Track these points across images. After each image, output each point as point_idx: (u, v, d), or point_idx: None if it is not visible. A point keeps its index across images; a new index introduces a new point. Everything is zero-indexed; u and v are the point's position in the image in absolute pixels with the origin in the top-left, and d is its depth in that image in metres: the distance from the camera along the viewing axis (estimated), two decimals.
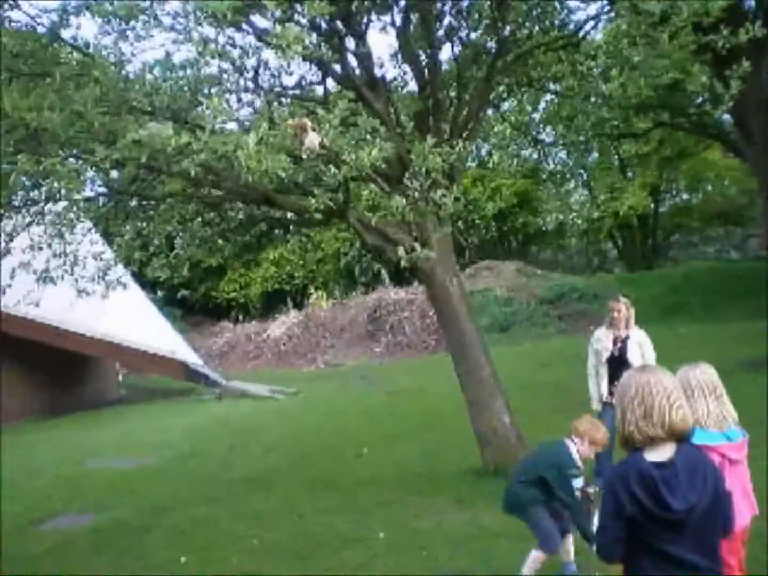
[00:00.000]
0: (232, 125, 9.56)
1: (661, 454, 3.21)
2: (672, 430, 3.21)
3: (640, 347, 8.52)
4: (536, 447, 6.83)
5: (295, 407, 17.97)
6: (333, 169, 5.95)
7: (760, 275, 22.18)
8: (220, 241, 11.57)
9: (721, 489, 3.28)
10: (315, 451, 12.56)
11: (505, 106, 20.97)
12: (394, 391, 18.21)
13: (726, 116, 18.13)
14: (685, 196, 39.60)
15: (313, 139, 5.52)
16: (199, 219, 10.95)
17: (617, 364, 8.41)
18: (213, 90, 7.26)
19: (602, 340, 8.73)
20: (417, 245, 6.86)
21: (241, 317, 34.94)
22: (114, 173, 10.21)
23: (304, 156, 5.74)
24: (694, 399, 4.31)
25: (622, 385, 3.38)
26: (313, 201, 6.38)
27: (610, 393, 8.44)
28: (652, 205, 34.55)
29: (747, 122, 15.01)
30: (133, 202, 10.85)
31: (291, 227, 19.09)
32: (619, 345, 8.60)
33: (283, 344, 29.30)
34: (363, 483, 10.13)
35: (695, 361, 4.55)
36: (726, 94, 8.16)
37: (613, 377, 8.39)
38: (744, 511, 4.38)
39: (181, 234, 11.52)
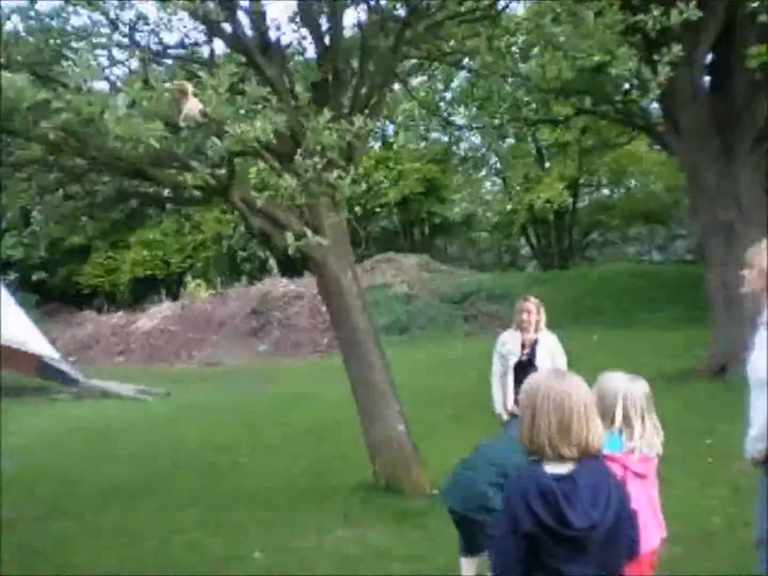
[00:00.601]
0: (101, 85, 9.37)
1: (563, 466, 3.27)
2: (586, 450, 3.27)
3: (551, 353, 8.55)
4: (485, 444, 6.48)
5: (165, 411, 17.72)
6: (216, 142, 5.85)
7: (684, 281, 22.92)
8: (84, 217, 11.30)
9: (626, 508, 3.35)
10: (186, 461, 12.41)
11: (415, 82, 21.18)
12: (279, 395, 18.15)
13: (654, 105, 18.66)
14: (606, 191, 40.67)
15: (193, 106, 5.44)
16: (60, 191, 10.66)
17: (525, 370, 8.29)
18: (81, 44, 7.07)
19: (509, 344, 8.73)
20: (308, 231, 6.83)
21: (106, 306, 34.23)
22: None
23: (183, 124, 5.65)
24: (629, 418, 4.40)
25: (534, 389, 3.40)
26: (189, 176, 6.28)
27: (517, 402, 8.42)
28: (570, 200, 35.31)
29: (676, 113, 15.42)
30: None
31: (167, 205, 18.80)
32: (527, 350, 8.61)
33: (155, 339, 28.86)
34: (239, 498, 10.06)
35: (630, 373, 4.63)
36: (654, 81, 8.35)
37: (521, 384, 8.43)
38: (653, 532, 4.48)
39: (38, 208, 11.20)
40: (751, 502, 5.33)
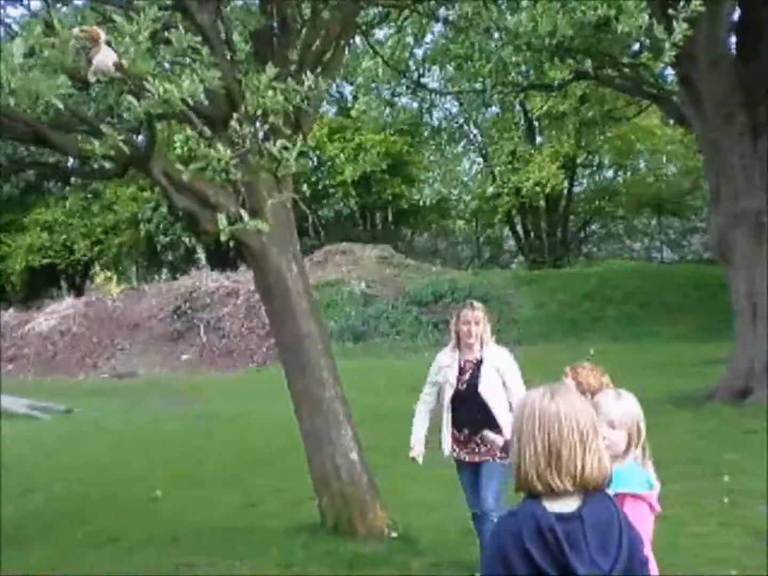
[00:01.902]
0: None
1: (565, 503, 3.25)
2: (584, 483, 3.23)
3: (500, 375, 7.67)
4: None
5: (64, 432, 17.63)
6: (132, 102, 5.83)
7: (702, 284, 23.10)
8: None
9: (638, 555, 3.34)
10: (91, 495, 12.36)
11: (379, 35, 21.21)
12: (205, 414, 18.12)
13: (668, 71, 18.81)
14: (608, 174, 40.95)
15: (106, 58, 5.41)
16: None
17: (465, 401, 7.73)
18: None
19: (444, 369, 7.93)
20: (244, 213, 6.81)
21: None
22: None
23: (92, 79, 5.62)
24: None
25: (521, 410, 3.34)
26: (97, 142, 6.23)
27: (463, 443, 7.82)
28: (566, 183, 35.53)
29: (695, 80, 15.49)
30: None
31: (72, 179, 18.70)
32: (467, 375, 7.77)
33: (53, 343, 28.71)
34: (156, 540, 10.03)
35: (615, 389, 4.68)
36: (668, 41, 8.38)
37: (463, 419, 7.74)
38: None
39: None
40: None
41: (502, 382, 7.67)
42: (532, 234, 38.11)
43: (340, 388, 9.66)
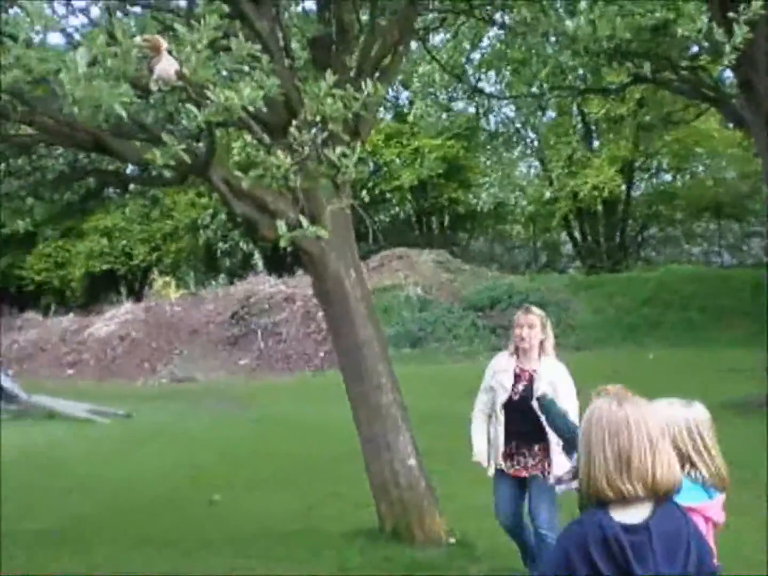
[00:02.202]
0: (56, 38, 9.44)
1: (633, 513, 3.23)
2: (655, 488, 3.22)
3: (554, 390, 7.24)
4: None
5: (124, 436, 17.78)
6: (193, 110, 5.88)
7: (762, 288, 22.82)
8: (30, 198, 11.35)
9: (707, 566, 3.31)
10: (149, 498, 12.46)
11: (435, 40, 21.21)
12: (262, 419, 18.19)
13: (728, 74, 18.63)
14: (667, 178, 40.59)
15: (167, 66, 5.46)
16: (2, 166, 10.73)
17: (516, 412, 7.52)
18: None
19: (500, 373, 7.73)
20: (304, 220, 6.84)
21: (54, 307, 34.34)
22: None
23: (154, 88, 5.67)
24: (698, 454, 4.39)
25: (589, 420, 3.35)
26: (158, 151, 6.29)
27: (509, 455, 7.63)
28: (624, 187, 35.30)
29: (755, 83, 15.36)
30: None
31: (131, 186, 18.86)
32: (521, 386, 7.58)
33: (113, 348, 28.96)
34: (213, 543, 10.09)
35: (686, 399, 4.63)
36: (728, 44, 8.31)
37: (512, 431, 7.57)
38: None
39: None
40: None
41: (557, 399, 7.10)
42: (589, 238, 37.83)
43: (398, 394, 9.66)
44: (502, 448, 7.63)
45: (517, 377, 7.59)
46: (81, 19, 9.07)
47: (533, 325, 7.49)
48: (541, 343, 7.54)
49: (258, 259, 32.94)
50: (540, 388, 7.19)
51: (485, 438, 7.94)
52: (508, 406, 7.56)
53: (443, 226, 38.72)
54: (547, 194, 35.74)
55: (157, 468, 14.41)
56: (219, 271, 34.01)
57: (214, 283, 32.64)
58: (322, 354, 26.31)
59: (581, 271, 36.45)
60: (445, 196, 35.35)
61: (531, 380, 7.50)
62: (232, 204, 8.41)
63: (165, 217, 34.56)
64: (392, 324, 25.72)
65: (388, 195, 34.31)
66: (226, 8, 8.20)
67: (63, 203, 12.81)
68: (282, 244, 6.70)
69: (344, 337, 9.64)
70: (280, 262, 32.12)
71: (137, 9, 9.57)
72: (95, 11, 8.80)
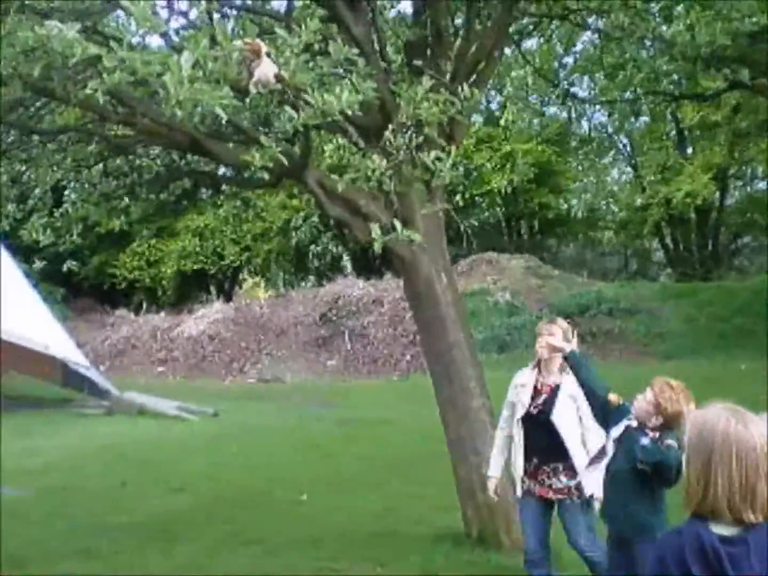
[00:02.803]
0: (154, 41, 9.61)
1: (732, 527, 3.21)
2: None
3: (576, 405, 7.10)
4: None
5: (212, 433, 17.97)
6: (290, 112, 5.95)
7: None
8: (126, 198, 11.55)
9: None
10: (236, 495, 12.58)
11: (528, 44, 21.13)
12: (349, 420, 18.25)
13: None
14: (761, 186, 39.97)
15: (267, 69, 5.52)
16: (101, 166, 10.92)
17: (535, 427, 7.25)
18: None
19: (520, 389, 7.42)
20: (397, 223, 6.88)
21: (145, 305, 34.80)
22: None
23: (253, 90, 5.74)
24: None
25: (710, 434, 3.25)
26: (257, 153, 6.37)
27: (532, 474, 7.31)
28: (717, 194, 34.80)
29: None
30: (10, 137, 10.77)
31: (225, 187, 19.08)
32: (542, 399, 7.29)
33: (203, 346, 29.28)
34: (299, 542, 10.15)
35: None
36: None
37: (531, 447, 7.27)
38: None
39: (73, 185, 11.49)
40: None
41: (578, 416, 7.12)
42: (681, 246, 37.39)
43: (486, 399, 9.64)
44: (521, 466, 7.31)
45: (537, 391, 7.29)
46: (179, 22, 9.24)
47: (553, 334, 6.98)
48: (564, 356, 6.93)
49: (346, 262, 33.07)
50: (560, 402, 7.10)
51: (502, 460, 7.71)
52: (527, 420, 7.26)
53: (533, 231, 38.52)
54: (639, 201, 35.39)
55: (243, 466, 14.55)
56: (308, 272, 34.19)
57: (302, 284, 32.84)
58: (408, 357, 26.34)
59: (672, 279, 36.03)
60: (536, 201, 35.11)
61: (552, 394, 7.21)
62: (327, 206, 8.49)
63: (256, 218, 34.80)
64: (480, 329, 25.63)
65: (478, 199, 34.16)
66: (322, 12, 8.28)
67: (158, 203, 13.01)
68: (375, 247, 6.75)
69: (434, 341, 9.65)
70: (368, 265, 32.24)
71: (235, 12, 9.70)
72: (194, 14, 8.94)
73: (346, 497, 12.21)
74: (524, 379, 7.40)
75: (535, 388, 7.28)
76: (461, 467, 9.60)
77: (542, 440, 7.17)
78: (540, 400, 7.22)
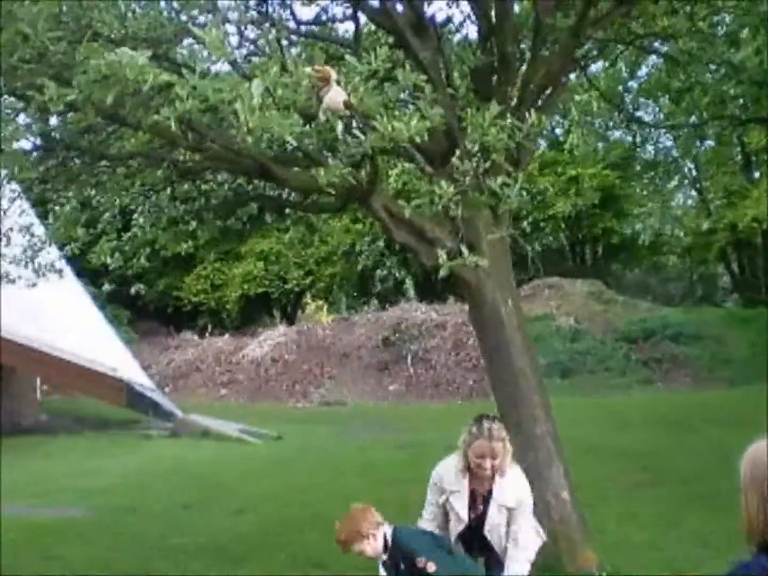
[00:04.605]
0: (222, 68, 9.71)
1: None
2: None
3: (511, 517, 6.57)
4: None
5: (275, 456, 18.03)
6: (359, 137, 5.99)
7: None
8: (193, 222, 11.68)
9: None
10: (300, 519, 12.59)
11: (593, 68, 21.07)
12: (412, 444, 18.22)
13: None
14: None
15: (336, 96, 5.56)
16: (169, 190, 11.05)
17: (473, 540, 6.75)
18: (204, 18, 7.33)
19: (452, 496, 6.73)
20: (463, 248, 6.88)
21: (210, 328, 35.03)
22: (53, 120, 10.33)
23: (322, 117, 5.78)
24: None
25: (758, 465, 3.23)
26: (323, 171, 6.39)
27: None
28: None
29: None
30: (79, 161, 10.93)
31: (289, 211, 19.22)
32: (477, 510, 6.66)
33: (266, 370, 29.42)
34: (364, 568, 10.14)
35: None
36: None
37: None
38: None
39: (142, 209, 11.64)
40: None
41: (514, 529, 6.53)
42: (747, 271, 37.01)
43: (552, 425, 9.60)
44: None
45: (473, 498, 6.62)
46: (245, 50, 9.34)
47: (496, 455, 6.37)
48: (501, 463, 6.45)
49: (409, 286, 33.06)
50: (493, 515, 6.53)
51: None
52: (465, 535, 6.70)
53: (596, 256, 38.31)
54: (705, 225, 35.08)
55: (305, 490, 14.57)
56: (371, 296, 34.24)
57: (365, 307, 32.89)
58: (471, 382, 26.27)
59: (738, 305, 35.64)
60: (600, 225, 34.91)
61: (485, 503, 6.59)
62: (393, 232, 8.52)
63: (320, 242, 34.97)
64: (543, 354, 25.50)
65: (541, 224, 34.04)
66: (390, 39, 8.34)
67: (224, 227, 13.13)
68: (442, 272, 6.76)
69: (499, 366, 9.62)
70: (431, 289, 32.22)
71: (300, 38, 9.79)
72: (262, 41, 9.02)
73: (409, 522, 12.17)
74: (453, 481, 6.69)
75: (470, 497, 6.63)
76: None
77: (481, 552, 6.75)
78: (474, 513, 6.63)
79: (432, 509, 6.83)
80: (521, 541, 6.54)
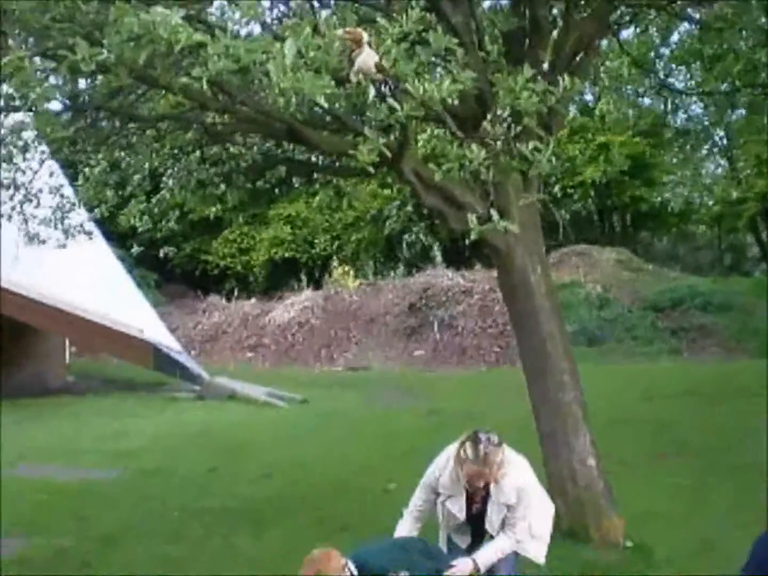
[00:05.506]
0: (253, 30, 9.68)
1: None
2: None
3: (510, 512, 6.63)
4: None
5: (301, 420, 18.10)
6: (390, 101, 5.95)
7: None
8: (222, 185, 11.67)
9: None
10: (325, 482, 12.65)
11: (624, 34, 20.86)
12: (437, 410, 18.23)
13: None
14: None
15: (368, 58, 5.53)
16: (198, 153, 11.04)
17: (471, 528, 6.90)
18: None
19: (449, 499, 6.82)
20: (494, 213, 6.84)
21: (237, 292, 35.08)
22: (81, 82, 10.33)
23: (353, 79, 5.75)
24: None
25: None
26: (363, 147, 6.34)
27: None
28: None
29: None
30: (109, 124, 10.94)
31: (317, 175, 19.18)
32: (476, 507, 6.73)
33: (292, 334, 29.48)
34: (388, 530, 10.17)
35: None
36: None
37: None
38: None
39: (171, 171, 11.63)
40: None
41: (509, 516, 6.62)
42: None
43: (579, 393, 9.57)
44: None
45: (469, 499, 6.70)
46: (281, 9, 9.29)
47: (489, 479, 6.47)
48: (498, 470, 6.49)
49: (437, 252, 32.97)
50: (492, 512, 6.60)
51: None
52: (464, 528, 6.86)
53: (625, 223, 38.07)
54: (735, 194, 34.80)
55: (331, 454, 14.61)
56: (398, 261, 34.18)
57: (392, 273, 32.85)
58: (497, 349, 26.24)
59: (767, 274, 35.44)
60: (629, 193, 34.68)
61: (483, 502, 6.66)
62: (423, 196, 8.50)
63: (348, 207, 34.91)
64: (570, 321, 25.43)
65: (570, 191, 33.84)
66: (422, 2, 8.28)
67: (253, 191, 13.14)
68: (472, 237, 6.74)
69: (528, 333, 9.60)
70: (458, 255, 32.16)
71: (335, 1, 9.72)
72: (293, 3, 8.99)
73: None
74: (449, 484, 6.74)
75: (467, 493, 6.70)
76: (553, 461, 9.55)
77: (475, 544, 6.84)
78: (473, 509, 6.73)
79: (421, 505, 7.02)
80: (518, 532, 6.62)
